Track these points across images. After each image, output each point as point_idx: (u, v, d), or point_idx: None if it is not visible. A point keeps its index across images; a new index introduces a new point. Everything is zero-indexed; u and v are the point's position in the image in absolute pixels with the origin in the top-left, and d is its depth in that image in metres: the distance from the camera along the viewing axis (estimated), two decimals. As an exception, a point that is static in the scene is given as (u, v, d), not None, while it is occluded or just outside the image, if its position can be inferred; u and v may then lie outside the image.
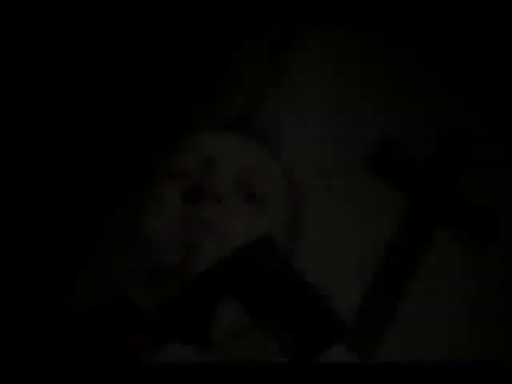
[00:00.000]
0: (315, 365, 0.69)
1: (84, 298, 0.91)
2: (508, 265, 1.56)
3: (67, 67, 1.32)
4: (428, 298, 1.52)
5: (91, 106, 1.37)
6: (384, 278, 1.54)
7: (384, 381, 0.67)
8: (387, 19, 1.56)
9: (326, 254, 1.51)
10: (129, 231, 0.88)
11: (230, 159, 0.83)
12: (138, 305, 0.77)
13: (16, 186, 1.33)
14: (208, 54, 1.49)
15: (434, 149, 1.60)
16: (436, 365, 0.69)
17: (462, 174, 1.60)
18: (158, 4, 1.40)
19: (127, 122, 1.43)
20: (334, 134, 1.59)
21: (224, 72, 1.55)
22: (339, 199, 1.56)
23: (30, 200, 1.35)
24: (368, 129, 1.59)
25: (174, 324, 0.73)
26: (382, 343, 1.48)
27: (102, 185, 1.41)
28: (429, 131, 1.60)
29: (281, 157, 0.90)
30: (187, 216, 0.78)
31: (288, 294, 0.73)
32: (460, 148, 1.62)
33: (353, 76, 1.62)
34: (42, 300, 0.80)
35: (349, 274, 1.52)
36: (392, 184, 1.58)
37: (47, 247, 1.37)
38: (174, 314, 0.73)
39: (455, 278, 1.55)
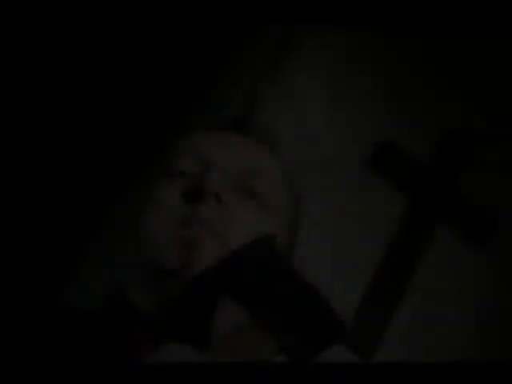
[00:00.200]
0: (315, 365, 0.69)
1: (84, 298, 0.91)
2: (508, 265, 1.56)
3: (67, 67, 1.32)
4: (428, 297, 1.52)
5: (91, 105, 1.37)
6: (384, 277, 1.54)
7: (384, 381, 0.67)
8: (387, 19, 1.57)
9: (326, 254, 1.51)
10: (129, 231, 0.88)
11: (230, 159, 0.83)
12: (137, 305, 0.77)
13: (16, 186, 1.33)
14: (208, 54, 1.49)
15: (434, 149, 1.60)
16: (436, 365, 0.69)
17: (462, 173, 1.61)
18: (158, 4, 1.40)
19: (127, 121, 1.43)
20: (333, 134, 1.59)
21: (224, 72, 1.55)
22: (339, 199, 1.56)
23: (30, 200, 1.35)
24: (368, 129, 1.59)
25: (174, 324, 0.73)
26: (381, 343, 1.48)
27: (101, 184, 1.41)
28: (429, 131, 1.61)
29: (281, 157, 0.90)
30: (187, 216, 0.78)
31: (288, 294, 0.73)
32: (460, 148, 1.62)
33: (353, 76, 1.62)
34: (42, 300, 0.80)
35: (349, 274, 1.52)
36: (392, 184, 1.58)
37: (47, 247, 1.37)
38: (174, 313, 0.73)
39: (455, 277, 1.56)
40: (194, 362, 0.69)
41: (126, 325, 0.75)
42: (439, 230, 1.57)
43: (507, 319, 1.52)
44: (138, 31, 1.39)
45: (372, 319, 1.49)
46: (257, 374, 0.67)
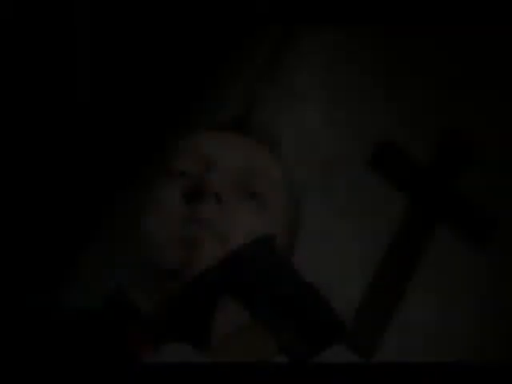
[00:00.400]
0: (315, 365, 0.69)
1: (84, 298, 0.91)
2: (508, 265, 1.56)
3: (67, 67, 1.32)
4: (428, 297, 1.52)
5: (91, 105, 1.37)
6: (384, 277, 1.54)
7: (384, 381, 0.67)
8: (387, 19, 1.57)
9: (326, 254, 1.51)
10: (129, 231, 0.88)
11: (230, 159, 0.83)
12: (137, 305, 0.77)
13: (16, 186, 1.33)
14: (208, 54, 1.49)
15: (434, 149, 1.60)
16: (436, 365, 0.69)
17: (462, 173, 1.60)
18: (158, 4, 1.40)
19: (127, 121, 1.43)
20: (333, 134, 1.59)
21: (224, 72, 1.55)
22: (339, 199, 1.56)
23: (30, 200, 1.35)
24: (368, 129, 1.59)
25: (174, 324, 0.73)
26: (381, 343, 1.48)
27: (102, 185, 1.41)
28: (429, 131, 1.61)
29: (281, 157, 0.90)
30: (187, 216, 0.78)
31: (288, 294, 0.73)
32: (460, 148, 1.62)
33: (353, 76, 1.62)
34: (42, 300, 0.80)
35: (349, 274, 1.52)
36: (392, 184, 1.58)
37: (47, 247, 1.36)
38: (174, 314, 0.73)
39: (455, 277, 1.56)
40: (194, 362, 0.69)
41: (126, 325, 0.75)
42: (439, 229, 1.57)
43: (507, 319, 1.52)
44: (138, 31, 1.39)
45: (372, 319, 1.49)
46: (257, 373, 0.67)
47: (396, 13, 1.55)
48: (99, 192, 1.41)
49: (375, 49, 1.62)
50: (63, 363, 0.69)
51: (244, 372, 0.67)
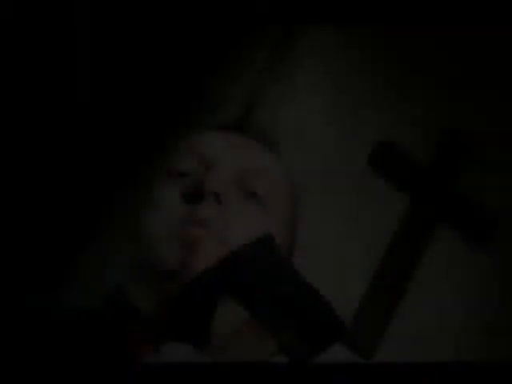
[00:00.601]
0: (315, 365, 0.69)
1: (84, 298, 0.91)
2: (508, 265, 1.56)
3: (67, 67, 1.32)
4: (428, 297, 1.52)
5: (91, 105, 1.37)
6: (384, 277, 1.54)
7: (384, 381, 0.67)
8: (387, 19, 1.56)
9: (325, 254, 1.51)
10: (129, 231, 0.88)
11: (230, 159, 0.83)
12: (137, 305, 0.77)
13: (16, 186, 1.33)
14: (208, 54, 1.49)
15: (434, 149, 1.60)
16: (436, 365, 0.69)
17: (462, 173, 1.60)
18: (158, 5, 1.40)
19: (127, 121, 1.43)
20: (334, 133, 1.59)
21: (224, 72, 1.54)
22: (339, 199, 1.56)
23: (30, 200, 1.35)
24: (368, 129, 1.59)
25: (174, 324, 0.73)
26: (381, 343, 1.48)
27: (102, 185, 1.41)
28: (429, 131, 1.61)
29: (281, 157, 0.90)
30: (187, 216, 0.78)
31: (288, 294, 0.73)
32: (460, 148, 1.62)
33: (353, 76, 1.62)
34: (42, 300, 0.80)
35: (349, 274, 1.52)
36: (392, 184, 1.58)
37: (47, 247, 1.36)
38: (174, 314, 0.73)
39: (455, 277, 1.56)
40: (194, 362, 0.69)
41: (126, 325, 0.75)
42: (439, 229, 1.57)
43: (507, 319, 1.52)
44: (138, 31, 1.39)
45: (372, 319, 1.49)
46: (257, 373, 0.67)
47: (396, 13, 1.55)
48: (99, 192, 1.41)
49: (375, 49, 1.62)
50: (63, 363, 0.70)
51: (244, 372, 0.67)
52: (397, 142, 1.58)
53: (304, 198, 0.93)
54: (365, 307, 1.49)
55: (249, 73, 1.56)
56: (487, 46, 1.61)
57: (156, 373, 0.66)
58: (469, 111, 1.60)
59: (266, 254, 0.76)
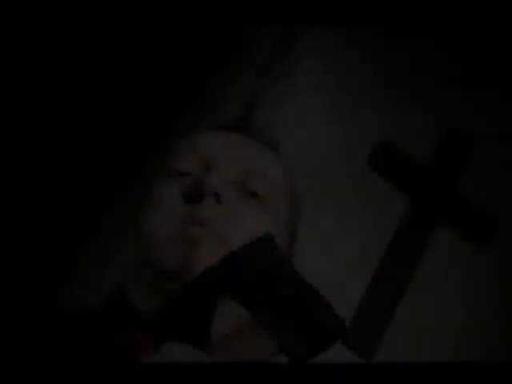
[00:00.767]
0: (315, 365, 0.69)
1: (84, 298, 0.91)
2: (508, 265, 1.56)
3: (67, 67, 1.32)
4: (428, 297, 1.52)
5: (91, 105, 1.37)
6: (384, 277, 1.54)
7: (384, 381, 0.67)
8: (387, 19, 1.56)
9: (325, 254, 1.51)
10: (129, 231, 0.88)
11: (230, 159, 0.83)
12: (138, 305, 0.77)
13: (16, 186, 1.33)
14: (208, 54, 1.49)
15: (434, 149, 1.60)
16: (436, 365, 0.69)
17: (462, 173, 1.60)
18: (158, 5, 1.40)
19: (127, 121, 1.43)
20: (334, 133, 1.59)
21: (224, 72, 1.54)
22: (339, 199, 1.56)
23: (30, 200, 1.35)
24: (368, 129, 1.59)
25: (174, 324, 0.73)
26: (381, 343, 1.48)
27: (101, 185, 1.41)
28: (429, 131, 1.61)
29: (281, 157, 0.90)
30: (187, 216, 0.78)
31: (288, 294, 0.73)
32: (460, 148, 1.62)
33: (353, 76, 1.62)
34: (42, 300, 0.80)
35: (349, 274, 1.52)
36: (392, 184, 1.58)
37: (48, 247, 1.37)
38: (174, 314, 0.73)
39: (455, 277, 1.55)
40: (194, 362, 0.69)
41: (126, 325, 0.75)
42: (439, 229, 1.57)
43: (507, 319, 1.52)
44: (138, 31, 1.39)
45: (372, 319, 1.49)
46: (257, 373, 0.67)
47: (396, 13, 1.55)
48: (99, 192, 1.41)
49: (375, 49, 1.62)
50: (63, 363, 0.69)
51: (244, 372, 0.67)
52: (397, 142, 1.58)
53: (304, 198, 0.93)
54: (365, 307, 1.49)
55: (249, 73, 1.56)
56: (487, 46, 1.61)
57: (156, 373, 0.66)
58: (469, 111, 1.60)
59: (266, 253, 0.76)
